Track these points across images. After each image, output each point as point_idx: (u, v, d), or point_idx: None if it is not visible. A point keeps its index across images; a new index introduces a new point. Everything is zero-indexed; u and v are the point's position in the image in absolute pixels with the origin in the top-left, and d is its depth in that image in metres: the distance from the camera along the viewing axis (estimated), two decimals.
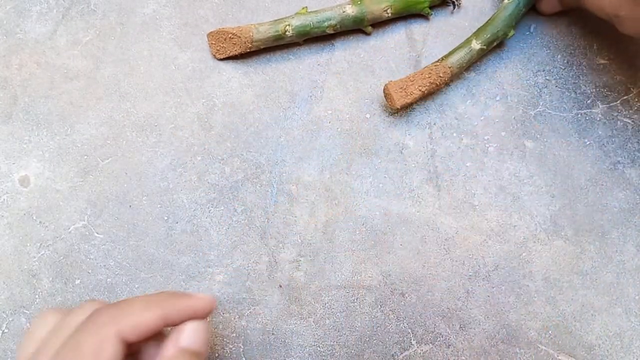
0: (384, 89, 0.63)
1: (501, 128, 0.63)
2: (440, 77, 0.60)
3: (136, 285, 0.61)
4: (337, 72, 0.65)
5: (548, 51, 0.65)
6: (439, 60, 0.61)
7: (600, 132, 0.63)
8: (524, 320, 0.60)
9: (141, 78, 0.64)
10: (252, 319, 0.60)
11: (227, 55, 0.63)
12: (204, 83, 0.64)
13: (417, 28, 0.65)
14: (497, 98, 0.64)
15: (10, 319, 0.60)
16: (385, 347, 0.60)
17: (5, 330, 0.60)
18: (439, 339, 0.60)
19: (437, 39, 0.65)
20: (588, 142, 0.63)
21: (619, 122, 0.63)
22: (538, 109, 0.64)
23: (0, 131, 0.63)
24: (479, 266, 0.61)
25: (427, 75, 0.60)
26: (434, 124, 0.64)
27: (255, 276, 0.61)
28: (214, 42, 0.63)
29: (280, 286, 0.61)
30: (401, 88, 0.60)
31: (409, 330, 0.60)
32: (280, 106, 0.64)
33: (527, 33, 0.65)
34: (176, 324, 0.47)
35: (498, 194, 0.62)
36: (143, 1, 0.66)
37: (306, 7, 0.62)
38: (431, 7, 0.64)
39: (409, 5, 0.62)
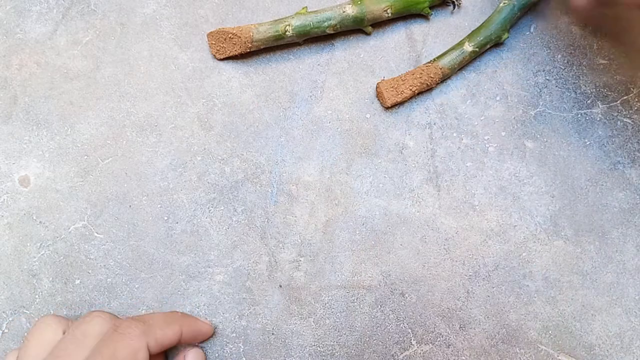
0: (376, 88, 0.63)
1: (501, 128, 0.63)
2: (431, 77, 0.61)
3: (136, 285, 0.61)
4: (337, 72, 0.65)
5: (548, 51, 0.65)
6: (431, 61, 0.62)
7: (600, 132, 0.63)
8: (524, 320, 0.60)
9: (141, 78, 0.64)
10: (252, 319, 0.60)
11: (227, 55, 0.63)
12: (204, 83, 0.64)
13: (417, 28, 0.65)
14: (497, 98, 0.64)
15: (10, 319, 0.60)
16: (385, 347, 0.60)
17: (5, 331, 0.60)
18: (439, 339, 0.60)
19: (437, 39, 0.65)
20: (588, 142, 0.63)
21: (619, 122, 0.63)
22: (538, 109, 0.64)
23: (0, 131, 0.63)
24: (479, 266, 0.61)
25: (418, 75, 0.61)
26: (434, 124, 0.64)
27: (255, 276, 0.61)
28: (214, 42, 0.63)
29: (280, 286, 0.61)
30: (392, 87, 0.61)
31: (409, 330, 0.60)
32: (280, 106, 0.64)
33: (527, 33, 0.65)
34: (186, 341, 0.54)
35: (498, 194, 0.62)
36: (143, 1, 0.66)
37: (306, 7, 0.62)
38: (431, 7, 0.64)
39: (409, 5, 0.62)
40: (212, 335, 0.59)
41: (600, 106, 0.64)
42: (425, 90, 0.63)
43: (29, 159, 0.62)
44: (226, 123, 0.64)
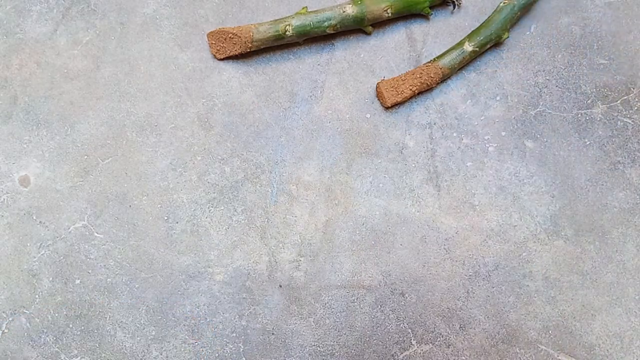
0: (376, 87, 0.63)
1: (501, 128, 0.63)
2: (431, 77, 0.61)
3: (136, 285, 0.61)
4: (337, 72, 0.65)
5: (548, 51, 0.65)
6: (431, 60, 0.62)
7: (600, 132, 0.63)
8: (524, 320, 0.60)
9: (141, 78, 0.64)
10: (252, 319, 0.60)
11: (227, 55, 0.63)
12: (204, 83, 0.64)
13: (417, 28, 0.65)
14: (497, 98, 0.64)
15: (10, 319, 0.60)
16: (385, 347, 0.60)
17: (5, 331, 0.60)
18: (439, 339, 0.60)
19: (437, 39, 0.65)
20: (588, 142, 0.63)
21: (619, 122, 0.63)
22: (538, 109, 0.64)
23: (0, 131, 0.63)
24: (479, 266, 0.61)
25: (418, 75, 0.61)
26: (434, 124, 0.64)
27: (255, 276, 0.61)
28: (214, 42, 0.63)
29: (280, 286, 0.61)
30: (392, 87, 0.62)
31: (409, 330, 0.60)
32: (280, 106, 0.64)
33: (527, 33, 0.65)
34: None
35: (498, 194, 0.62)
36: (143, 1, 0.66)
37: (306, 7, 0.62)
38: (431, 7, 0.64)
39: (409, 5, 0.62)
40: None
41: (600, 106, 0.64)
42: (425, 90, 0.63)
43: (29, 159, 0.62)
44: (226, 123, 0.64)
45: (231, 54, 0.63)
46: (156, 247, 0.61)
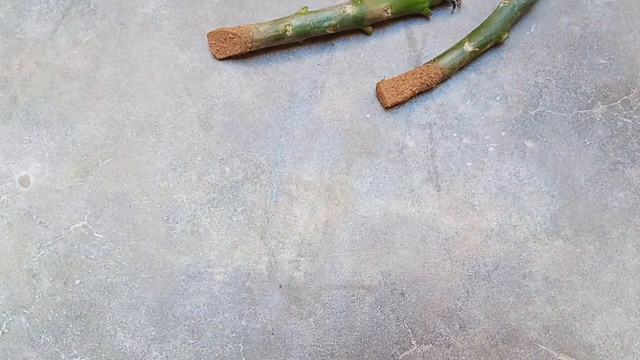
0: (376, 88, 0.63)
1: (501, 128, 0.63)
2: (431, 77, 0.61)
3: (136, 285, 0.61)
4: (337, 72, 0.65)
5: (548, 51, 0.65)
6: (431, 60, 0.62)
7: (600, 132, 0.63)
8: (524, 320, 0.60)
9: (141, 78, 0.64)
10: (252, 319, 0.60)
11: (227, 55, 0.63)
12: (204, 83, 0.64)
13: (417, 28, 0.65)
14: (497, 98, 0.64)
15: (10, 319, 0.60)
16: (385, 347, 0.60)
17: (5, 331, 0.60)
18: (439, 339, 0.60)
19: (437, 39, 0.65)
20: (588, 142, 0.63)
21: (619, 122, 0.63)
22: (538, 109, 0.64)
23: (0, 131, 0.63)
24: (479, 266, 0.61)
25: (418, 75, 0.61)
26: (434, 124, 0.64)
27: (255, 276, 0.61)
28: (214, 42, 0.63)
29: (280, 286, 0.61)
30: (392, 87, 0.62)
31: (409, 330, 0.60)
32: (280, 106, 0.64)
33: (527, 33, 0.65)
34: None
35: (498, 194, 0.62)
36: (143, 1, 0.66)
37: (306, 7, 0.62)
38: (431, 7, 0.64)
39: (409, 5, 0.62)
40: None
41: (600, 106, 0.64)
42: (426, 90, 0.63)
43: (29, 159, 0.62)
44: (226, 123, 0.64)
45: (231, 54, 0.63)
46: (156, 247, 0.61)
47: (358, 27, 0.63)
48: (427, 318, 0.60)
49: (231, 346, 0.60)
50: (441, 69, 0.61)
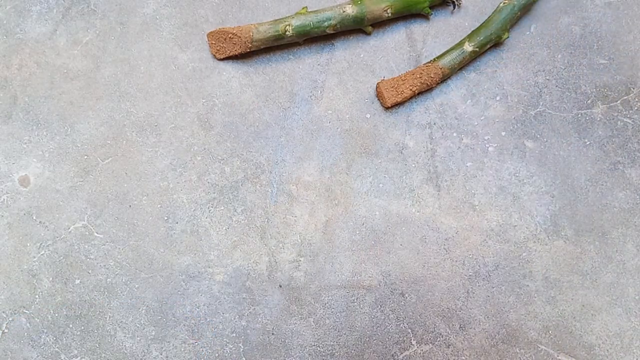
0: (376, 88, 0.63)
1: (501, 128, 0.63)
2: (431, 77, 0.61)
3: (136, 285, 0.61)
4: (337, 72, 0.65)
5: (548, 51, 0.65)
6: (431, 60, 0.62)
7: (600, 132, 0.63)
8: (524, 320, 0.60)
9: (141, 78, 0.64)
10: (252, 319, 0.60)
11: (227, 55, 0.63)
12: (204, 83, 0.64)
13: (417, 28, 0.65)
14: (497, 98, 0.64)
15: (10, 319, 0.60)
16: (385, 347, 0.60)
17: (5, 330, 0.60)
18: (439, 339, 0.60)
19: (437, 39, 0.65)
20: (588, 142, 0.63)
21: (619, 122, 0.63)
22: (538, 109, 0.64)
23: (0, 131, 0.63)
24: (479, 266, 0.61)
25: (418, 75, 0.61)
26: (434, 124, 0.64)
27: (255, 276, 0.61)
28: (214, 42, 0.63)
29: (280, 286, 0.61)
30: (392, 87, 0.62)
31: (409, 330, 0.60)
32: (280, 106, 0.64)
33: (527, 33, 0.65)
34: None
35: (498, 194, 0.62)
36: (143, 1, 0.66)
37: (306, 7, 0.62)
38: (431, 7, 0.64)
39: (409, 5, 0.62)
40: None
41: (600, 106, 0.64)
42: (426, 90, 0.63)
43: (29, 159, 0.62)
44: (226, 123, 0.64)
45: (231, 54, 0.63)
46: (156, 247, 0.61)
47: (358, 27, 0.63)
48: (427, 318, 0.60)
49: (231, 346, 0.60)
50: (441, 69, 0.61)
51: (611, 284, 0.61)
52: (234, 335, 0.60)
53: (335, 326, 0.60)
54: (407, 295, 0.61)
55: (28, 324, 0.60)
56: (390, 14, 0.62)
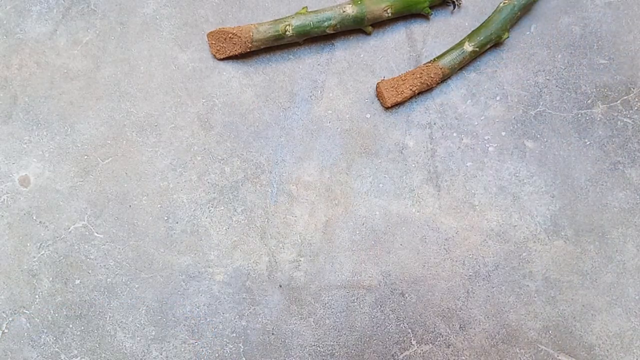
0: (376, 87, 0.63)
1: (501, 128, 0.63)
2: (431, 77, 0.61)
3: (136, 285, 0.61)
4: (337, 72, 0.65)
5: (548, 51, 0.65)
6: (431, 60, 0.62)
7: (600, 132, 0.63)
8: (524, 320, 0.60)
9: (141, 78, 0.64)
10: (252, 319, 0.60)
11: (227, 55, 0.63)
12: (204, 83, 0.64)
13: (417, 28, 0.65)
14: (497, 98, 0.64)
15: (10, 319, 0.60)
16: (385, 347, 0.60)
17: (5, 331, 0.60)
18: (439, 339, 0.60)
19: (437, 39, 0.65)
20: (588, 142, 0.63)
21: (619, 122, 0.63)
22: (538, 109, 0.64)
23: (0, 131, 0.63)
24: (479, 266, 0.61)
25: (418, 75, 0.61)
26: (434, 124, 0.64)
27: (255, 276, 0.61)
28: (214, 42, 0.63)
29: (280, 286, 0.61)
30: (392, 87, 0.62)
31: (409, 330, 0.60)
32: (280, 106, 0.64)
33: (527, 33, 0.65)
34: None
35: (498, 194, 0.62)
36: (143, 1, 0.66)
37: (306, 7, 0.62)
38: (431, 7, 0.64)
39: (409, 5, 0.62)
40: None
41: (600, 106, 0.64)
42: (426, 90, 0.63)
43: (29, 159, 0.62)
44: (226, 123, 0.64)
45: (231, 54, 0.63)
46: (156, 247, 0.61)
47: (358, 27, 0.63)
48: (427, 318, 0.60)
49: (231, 346, 0.60)
50: (441, 69, 0.61)
51: (611, 284, 0.61)
52: (234, 335, 0.60)
53: (335, 326, 0.60)
54: (407, 295, 0.61)
55: (28, 324, 0.60)
56: (390, 14, 0.62)
